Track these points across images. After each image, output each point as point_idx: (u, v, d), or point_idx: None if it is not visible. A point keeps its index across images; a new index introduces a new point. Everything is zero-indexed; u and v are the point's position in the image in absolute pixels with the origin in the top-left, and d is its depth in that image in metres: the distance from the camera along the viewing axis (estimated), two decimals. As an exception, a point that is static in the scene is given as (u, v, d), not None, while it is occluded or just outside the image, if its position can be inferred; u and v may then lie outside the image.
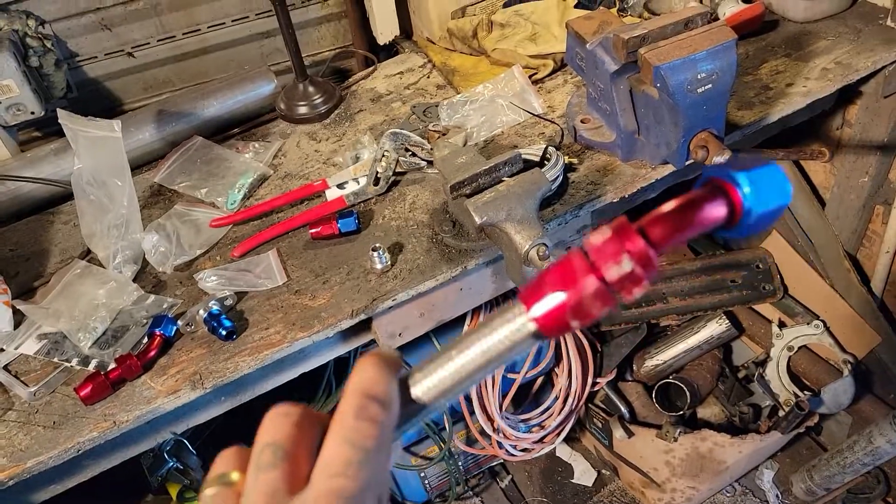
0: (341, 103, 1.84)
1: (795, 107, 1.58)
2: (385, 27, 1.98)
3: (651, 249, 0.45)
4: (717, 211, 0.49)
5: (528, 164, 1.39)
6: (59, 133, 1.84)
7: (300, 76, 1.80)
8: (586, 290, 0.46)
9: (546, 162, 1.44)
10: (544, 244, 1.21)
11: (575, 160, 1.51)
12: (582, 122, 1.54)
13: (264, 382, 1.38)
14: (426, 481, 2.16)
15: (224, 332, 1.25)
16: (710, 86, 1.31)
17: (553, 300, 0.47)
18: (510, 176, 1.32)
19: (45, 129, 1.90)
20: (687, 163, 1.41)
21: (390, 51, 2.09)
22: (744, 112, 1.57)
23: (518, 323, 0.48)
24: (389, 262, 1.37)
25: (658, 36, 1.35)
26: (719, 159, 1.33)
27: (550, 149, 1.46)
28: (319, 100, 1.80)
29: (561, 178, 1.44)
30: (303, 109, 1.79)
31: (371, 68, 1.94)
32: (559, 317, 0.47)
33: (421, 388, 0.49)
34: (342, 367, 1.99)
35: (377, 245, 1.36)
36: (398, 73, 1.91)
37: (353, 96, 1.86)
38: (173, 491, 2.00)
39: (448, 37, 1.90)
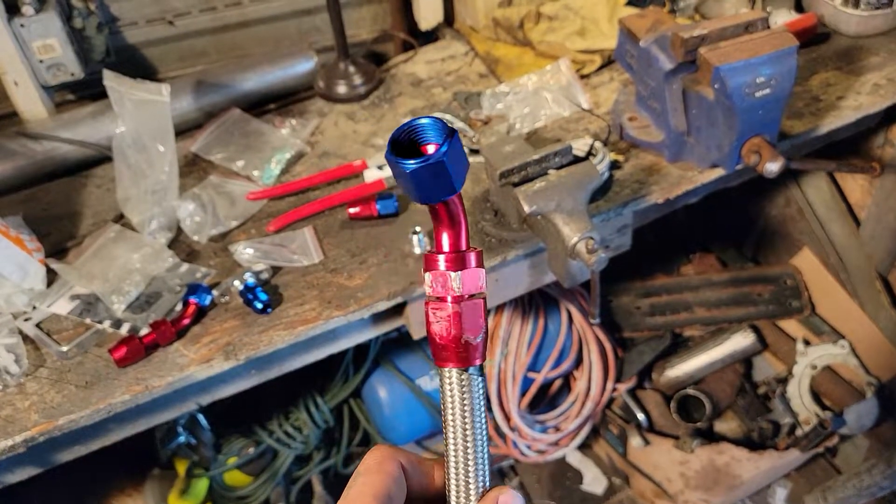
0: (380, 85, 1.82)
1: (846, 120, 1.55)
2: (429, 12, 1.96)
3: (440, 255, 0.54)
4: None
5: (575, 158, 1.37)
6: (93, 97, 1.83)
7: (342, 55, 1.78)
8: (455, 315, 0.54)
9: (592, 157, 1.42)
10: (592, 237, 1.19)
11: (620, 158, 1.49)
12: (629, 119, 1.52)
13: (293, 360, 1.36)
14: (436, 476, 2.14)
15: (260, 305, 1.23)
16: (768, 91, 1.29)
17: (452, 344, 0.55)
18: (559, 168, 1.30)
19: (80, 93, 1.87)
20: (737, 167, 1.39)
21: (428, 37, 2.07)
22: (793, 122, 1.55)
23: (454, 379, 0.56)
24: (429, 246, 1.34)
25: (718, 37, 1.33)
26: (772, 166, 1.31)
27: (597, 144, 1.44)
28: (359, 80, 1.78)
29: (607, 174, 1.42)
30: (342, 89, 1.77)
31: (412, 51, 1.92)
32: (454, 346, 0.55)
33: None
34: (360, 355, 1.97)
35: (417, 228, 1.34)
36: (440, 59, 1.89)
37: (393, 79, 1.84)
38: (181, 467, 1.98)
39: (493, 26, 1.88)
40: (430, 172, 0.49)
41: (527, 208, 1.22)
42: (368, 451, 0.56)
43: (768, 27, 1.35)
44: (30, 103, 1.64)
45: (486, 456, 0.56)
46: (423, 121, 0.51)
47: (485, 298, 0.56)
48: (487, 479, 0.56)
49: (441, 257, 0.54)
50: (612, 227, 1.47)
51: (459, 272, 0.54)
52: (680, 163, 1.47)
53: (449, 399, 0.56)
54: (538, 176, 1.28)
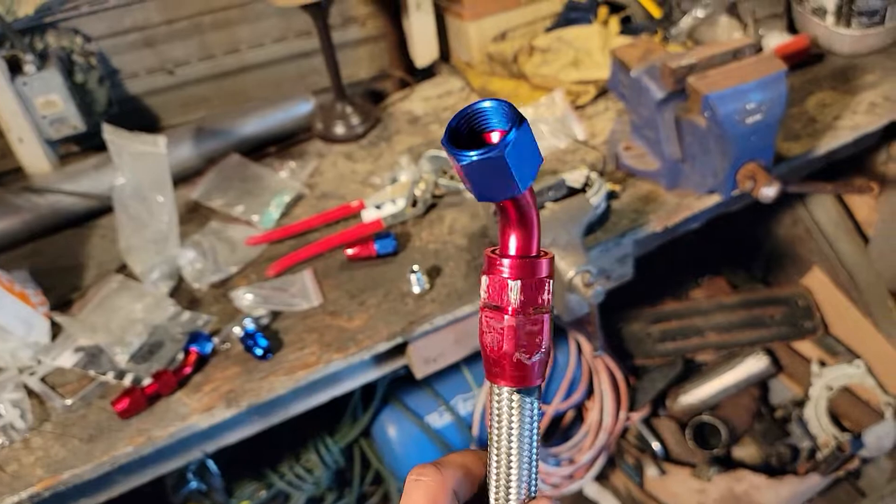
0: (378, 124, 1.84)
1: (843, 140, 1.55)
2: (424, 50, 1.98)
3: (505, 259, 0.47)
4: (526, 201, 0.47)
5: (570, 191, 1.37)
6: (98, 148, 1.86)
7: (338, 96, 1.80)
8: (510, 329, 0.47)
9: (588, 188, 1.42)
10: (589, 271, 1.18)
11: (618, 187, 1.49)
12: (625, 149, 1.52)
13: (296, 404, 1.36)
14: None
15: (260, 351, 1.24)
16: (759, 116, 1.28)
17: (503, 361, 0.48)
18: (554, 201, 1.30)
19: (84, 144, 1.91)
20: (733, 193, 1.39)
21: (426, 74, 2.09)
22: (790, 144, 1.54)
23: (503, 398, 0.50)
24: (428, 286, 1.35)
25: (706, 65, 1.33)
26: (767, 191, 1.30)
27: (593, 175, 1.44)
28: (357, 120, 1.80)
29: (604, 205, 1.42)
30: (340, 129, 1.79)
31: (409, 89, 1.94)
32: (518, 364, 0.48)
33: None
34: (368, 394, 1.96)
35: (415, 267, 1.34)
36: (436, 96, 1.91)
37: (391, 117, 1.86)
38: (194, 513, 1.97)
39: (488, 61, 1.90)
40: (488, 167, 0.42)
41: (521, 244, 1.22)
42: (410, 477, 0.51)
43: (758, 52, 1.35)
44: (34, 158, 1.67)
45: (532, 479, 0.51)
46: (486, 104, 0.44)
47: (550, 313, 0.49)
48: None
49: (505, 262, 0.47)
50: (612, 258, 1.46)
51: (519, 281, 0.47)
52: (677, 190, 1.47)
53: (496, 419, 0.50)
54: (533, 210, 1.28)
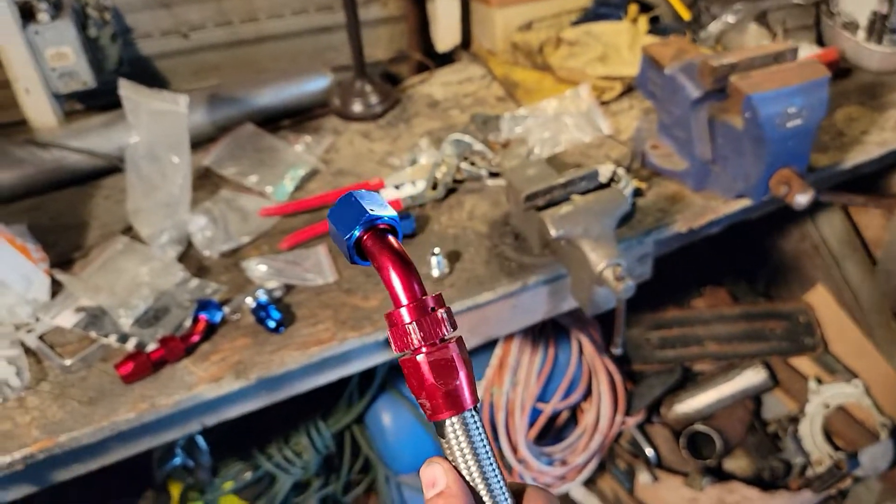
0: (397, 105, 1.79)
1: (870, 155, 1.53)
2: (447, 35, 1.94)
3: (406, 306, 0.53)
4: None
5: (598, 185, 1.34)
6: (102, 107, 1.80)
7: (358, 74, 1.75)
8: (409, 373, 0.53)
9: (614, 184, 1.39)
10: (620, 264, 1.15)
11: (643, 185, 1.46)
12: (652, 147, 1.49)
13: (304, 381, 1.31)
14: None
15: (273, 324, 1.19)
16: (799, 121, 1.26)
17: (434, 396, 0.53)
18: (584, 192, 1.27)
19: (89, 103, 1.84)
20: (764, 198, 1.36)
21: (445, 59, 2.05)
22: (818, 155, 1.52)
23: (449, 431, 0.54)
24: (447, 270, 1.31)
25: (748, 66, 1.31)
26: (802, 198, 1.28)
27: (620, 170, 1.41)
28: (375, 99, 1.76)
29: (630, 201, 1.39)
30: (358, 108, 1.75)
31: (427, 73, 1.90)
32: (437, 395, 0.53)
33: None
34: (365, 381, 1.92)
35: (436, 250, 1.30)
36: (456, 82, 1.87)
37: (409, 100, 1.82)
38: (175, 490, 1.92)
39: (511, 50, 1.86)
40: (332, 231, 0.56)
41: (553, 232, 1.18)
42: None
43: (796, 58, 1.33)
44: (40, 111, 1.61)
45: (503, 488, 0.54)
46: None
47: (457, 339, 0.54)
48: None
49: (401, 311, 0.53)
50: (633, 256, 1.44)
51: (415, 322, 0.53)
52: (704, 192, 1.45)
53: (449, 452, 0.54)
54: (562, 200, 1.25)
